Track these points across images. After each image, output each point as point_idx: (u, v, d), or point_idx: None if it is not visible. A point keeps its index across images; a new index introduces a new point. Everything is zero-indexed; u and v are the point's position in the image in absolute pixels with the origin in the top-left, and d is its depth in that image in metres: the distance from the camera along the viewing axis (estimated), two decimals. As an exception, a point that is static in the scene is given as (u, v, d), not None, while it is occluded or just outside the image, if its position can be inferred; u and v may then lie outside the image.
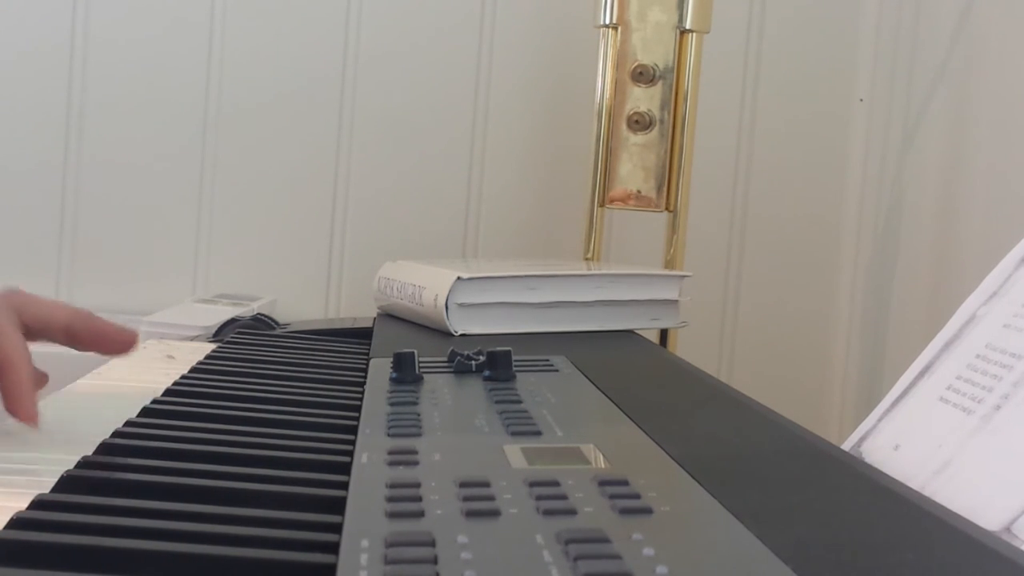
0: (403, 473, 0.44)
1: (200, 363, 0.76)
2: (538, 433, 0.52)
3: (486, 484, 0.42)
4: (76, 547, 0.38)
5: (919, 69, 1.33)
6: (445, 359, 0.69)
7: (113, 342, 0.62)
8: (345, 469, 0.47)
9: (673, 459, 0.47)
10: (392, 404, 0.58)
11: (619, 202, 1.20)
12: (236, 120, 1.45)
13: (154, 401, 0.61)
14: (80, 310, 0.62)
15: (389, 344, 0.80)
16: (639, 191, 1.19)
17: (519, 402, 0.59)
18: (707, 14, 1.18)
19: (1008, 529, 0.43)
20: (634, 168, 1.19)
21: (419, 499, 0.40)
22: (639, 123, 1.18)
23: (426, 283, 0.95)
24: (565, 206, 1.40)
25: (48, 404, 0.63)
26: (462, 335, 0.90)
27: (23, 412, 0.55)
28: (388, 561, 0.34)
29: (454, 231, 1.46)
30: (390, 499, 0.40)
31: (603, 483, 0.42)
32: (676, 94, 1.18)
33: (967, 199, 1.18)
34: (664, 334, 1.14)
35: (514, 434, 0.51)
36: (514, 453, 0.47)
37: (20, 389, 0.55)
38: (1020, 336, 0.52)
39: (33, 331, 0.60)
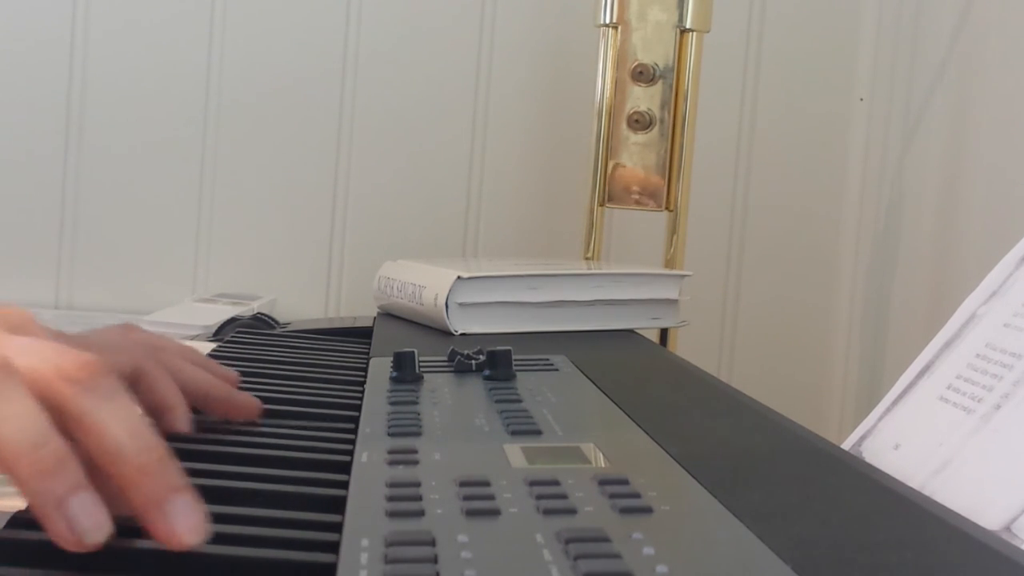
0: (403, 472, 0.44)
1: (200, 362, 0.76)
2: (538, 432, 0.51)
3: (486, 483, 0.42)
4: (76, 546, 0.38)
5: (919, 69, 1.33)
6: (445, 358, 0.69)
7: (241, 411, 0.59)
8: (345, 468, 0.47)
9: (673, 459, 0.47)
10: (392, 403, 0.58)
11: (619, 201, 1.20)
12: (236, 120, 1.45)
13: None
14: (217, 383, 0.59)
15: (389, 343, 0.80)
16: (639, 190, 1.19)
17: (519, 401, 0.59)
18: (707, 13, 1.18)
19: (1008, 529, 0.43)
20: (634, 168, 1.19)
21: (419, 498, 0.40)
22: (639, 122, 1.18)
23: (426, 282, 0.95)
24: (565, 206, 1.40)
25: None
26: (462, 334, 0.90)
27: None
28: (388, 560, 0.34)
29: (454, 231, 1.46)
30: (390, 498, 0.40)
31: (603, 482, 0.42)
32: (676, 93, 1.18)
33: (967, 199, 1.18)
34: (664, 333, 1.14)
35: (514, 433, 0.51)
36: (514, 452, 0.47)
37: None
38: (1020, 335, 0.52)
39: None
